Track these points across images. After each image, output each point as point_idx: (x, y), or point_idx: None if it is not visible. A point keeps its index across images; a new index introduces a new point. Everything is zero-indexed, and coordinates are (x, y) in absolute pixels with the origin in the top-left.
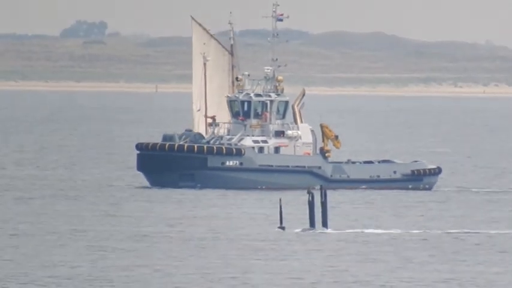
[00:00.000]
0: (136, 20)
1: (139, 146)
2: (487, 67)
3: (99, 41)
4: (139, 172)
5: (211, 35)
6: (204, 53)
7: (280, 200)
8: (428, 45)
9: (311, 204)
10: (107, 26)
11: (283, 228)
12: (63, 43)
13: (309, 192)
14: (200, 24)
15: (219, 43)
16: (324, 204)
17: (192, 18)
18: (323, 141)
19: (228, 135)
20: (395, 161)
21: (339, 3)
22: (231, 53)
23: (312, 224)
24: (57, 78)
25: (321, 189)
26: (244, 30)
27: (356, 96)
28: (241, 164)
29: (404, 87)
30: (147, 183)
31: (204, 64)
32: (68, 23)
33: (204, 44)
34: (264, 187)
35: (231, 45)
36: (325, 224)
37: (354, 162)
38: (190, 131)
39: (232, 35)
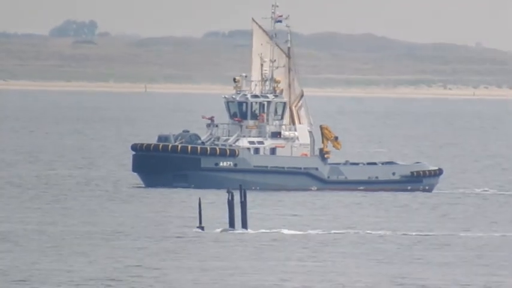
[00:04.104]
0: (126, 20)
1: (134, 147)
2: (477, 69)
3: (89, 40)
4: (134, 173)
5: (270, 37)
6: (261, 54)
7: (199, 199)
8: (419, 47)
9: (230, 204)
10: (96, 25)
11: (202, 228)
12: (53, 42)
13: (228, 192)
14: (260, 26)
15: (277, 45)
16: (243, 204)
17: (253, 20)
18: (322, 142)
19: (225, 136)
20: (398, 162)
21: (330, 5)
22: (288, 56)
23: (232, 224)
24: (46, 77)
25: (240, 189)
26: (233, 30)
27: (345, 98)
28: (235, 164)
29: (394, 89)
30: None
31: (261, 65)
32: (58, 22)
33: (262, 44)
34: (258, 188)
35: (288, 48)
36: (244, 224)
37: (356, 164)
38: (187, 131)
39: (289, 38)
